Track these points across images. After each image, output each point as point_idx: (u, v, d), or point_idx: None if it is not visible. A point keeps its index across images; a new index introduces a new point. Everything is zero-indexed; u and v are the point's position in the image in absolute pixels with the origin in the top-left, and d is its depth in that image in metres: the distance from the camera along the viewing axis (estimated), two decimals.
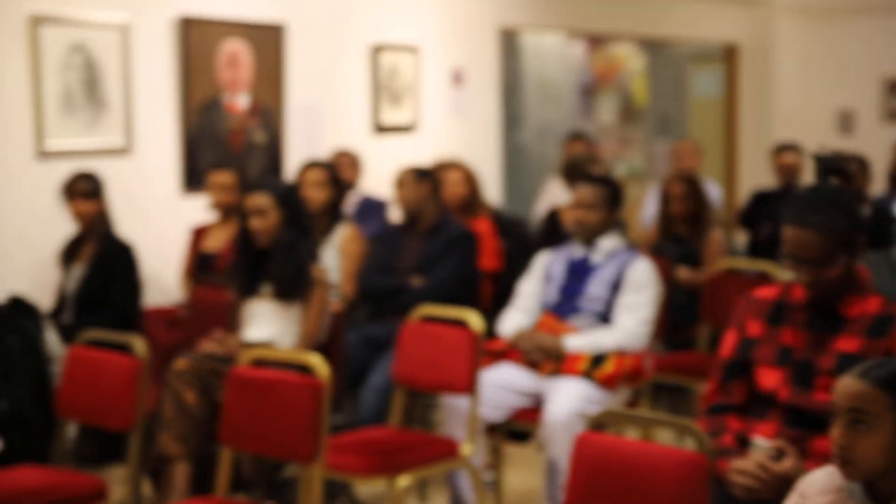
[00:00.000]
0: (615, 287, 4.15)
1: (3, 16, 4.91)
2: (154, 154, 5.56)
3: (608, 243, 4.24)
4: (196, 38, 5.66)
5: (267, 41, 6.02)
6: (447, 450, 3.84)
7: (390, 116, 6.85)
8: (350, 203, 5.92)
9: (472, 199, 5.64)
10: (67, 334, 4.25)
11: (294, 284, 4.06)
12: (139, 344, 3.64)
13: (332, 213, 5.10)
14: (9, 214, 4.96)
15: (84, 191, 4.68)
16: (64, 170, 4.92)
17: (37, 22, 5.01)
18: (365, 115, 6.71)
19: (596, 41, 9.84)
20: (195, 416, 3.87)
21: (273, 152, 6.12)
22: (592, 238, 4.24)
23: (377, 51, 6.69)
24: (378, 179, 6.33)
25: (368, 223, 5.66)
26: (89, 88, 5.25)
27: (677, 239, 5.45)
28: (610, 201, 4.26)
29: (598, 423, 2.73)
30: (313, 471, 3.29)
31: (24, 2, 4.97)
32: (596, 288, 4.18)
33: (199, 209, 5.45)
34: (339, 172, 5.40)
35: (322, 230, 4.99)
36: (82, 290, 4.60)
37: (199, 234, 5.23)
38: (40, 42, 5.03)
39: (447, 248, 4.86)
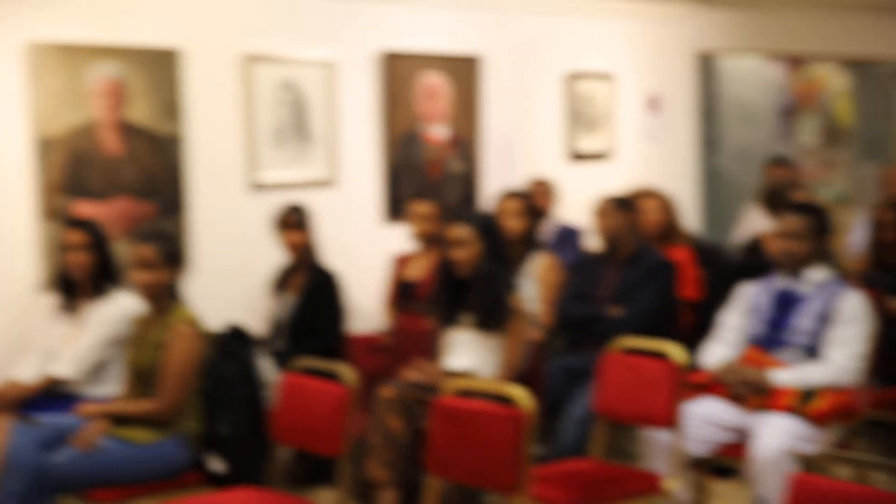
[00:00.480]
0: (824, 320, 4.01)
1: (221, 56, 5.19)
2: (357, 185, 5.75)
3: (817, 274, 4.11)
4: (396, 71, 5.83)
5: (464, 73, 6.14)
6: (650, 484, 3.80)
7: (585, 144, 6.86)
8: (546, 231, 5.95)
9: (669, 227, 5.57)
10: (280, 360, 4.44)
11: (494, 314, 4.11)
12: (348, 373, 3.76)
13: (529, 242, 5.14)
14: (225, 244, 5.23)
15: (294, 222, 4.88)
16: (274, 201, 5.15)
17: (251, 61, 5.27)
18: (560, 143, 6.73)
19: (796, 61, 9.55)
20: (401, 444, 3.97)
21: (469, 181, 6.22)
22: (799, 268, 4.12)
23: (572, 79, 6.71)
24: (573, 207, 6.34)
25: (564, 251, 5.67)
26: (298, 123, 5.48)
27: (890, 268, 5.22)
28: (817, 230, 4.13)
29: (812, 464, 2.65)
30: (516, 502, 3.32)
31: (240, 43, 5.25)
32: (804, 320, 4.05)
33: (401, 238, 5.60)
34: (534, 201, 5.44)
35: (519, 259, 5.03)
36: (294, 317, 4.79)
37: (401, 262, 5.37)
38: (254, 80, 5.29)
39: (646, 278, 4.81)
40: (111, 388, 4.19)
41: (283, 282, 4.95)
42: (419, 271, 5.21)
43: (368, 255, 5.68)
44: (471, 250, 4.13)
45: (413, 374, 4.17)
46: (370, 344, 5.17)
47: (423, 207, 5.24)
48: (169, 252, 3.93)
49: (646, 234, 5.26)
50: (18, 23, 4.55)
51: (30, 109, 4.58)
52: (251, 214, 5.28)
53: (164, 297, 3.95)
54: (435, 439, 3.48)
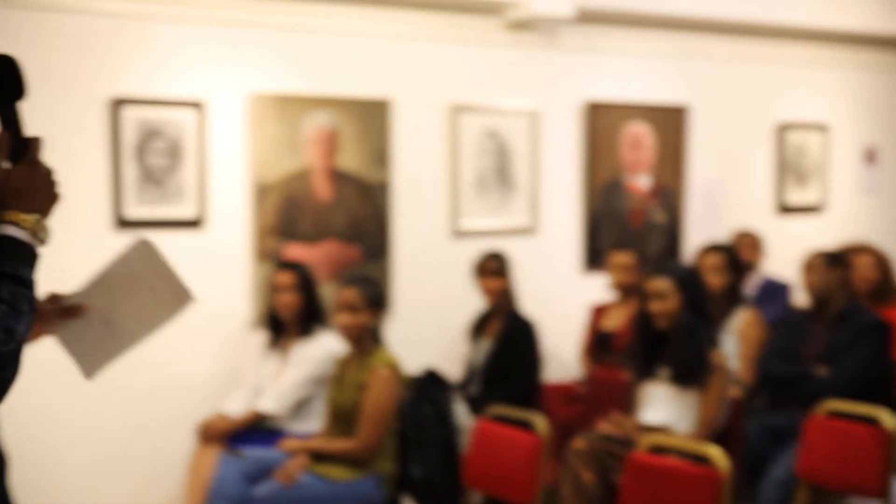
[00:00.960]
0: None
1: (428, 105, 5.34)
2: (557, 233, 5.77)
3: None
4: (601, 121, 5.84)
5: (670, 122, 6.08)
6: None
7: (796, 196, 6.64)
8: (751, 285, 5.78)
9: (884, 285, 5.32)
10: (474, 406, 4.49)
11: (693, 369, 4.04)
12: (541, 422, 3.77)
13: (732, 296, 5.01)
14: (425, 289, 5.35)
15: (494, 269, 4.94)
16: (475, 248, 5.24)
17: (457, 111, 5.40)
18: (768, 194, 6.55)
19: None
20: (592, 496, 3.93)
21: (672, 232, 6.13)
22: None
23: (783, 129, 6.54)
24: (780, 261, 6.14)
25: (770, 306, 5.50)
26: (500, 171, 5.56)
27: None
28: None
29: None
30: None
31: (447, 93, 5.38)
32: None
33: (599, 287, 5.57)
34: (739, 254, 5.31)
35: (721, 313, 4.91)
36: (489, 363, 4.84)
37: (599, 312, 5.34)
38: (459, 129, 5.41)
39: (856, 338, 4.60)
40: (313, 424, 4.34)
41: (481, 328, 5.01)
42: (616, 322, 5.16)
43: (566, 303, 5.68)
44: (670, 303, 4.07)
45: (607, 426, 4.13)
46: (565, 393, 5.16)
47: (622, 257, 5.20)
48: (372, 296, 4.06)
49: (858, 291, 5.04)
50: (241, 76, 4.82)
51: (250, 156, 4.85)
52: (452, 260, 5.38)
53: (366, 340, 4.07)
54: (627, 495, 3.44)
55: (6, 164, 1.69)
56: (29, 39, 4.38)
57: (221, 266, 4.81)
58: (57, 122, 4.45)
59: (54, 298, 1.90)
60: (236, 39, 4.82)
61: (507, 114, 5.58)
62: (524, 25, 5.54)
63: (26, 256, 1.65)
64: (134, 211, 4.56)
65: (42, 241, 1.69)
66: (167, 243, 4.63)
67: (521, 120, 5.62)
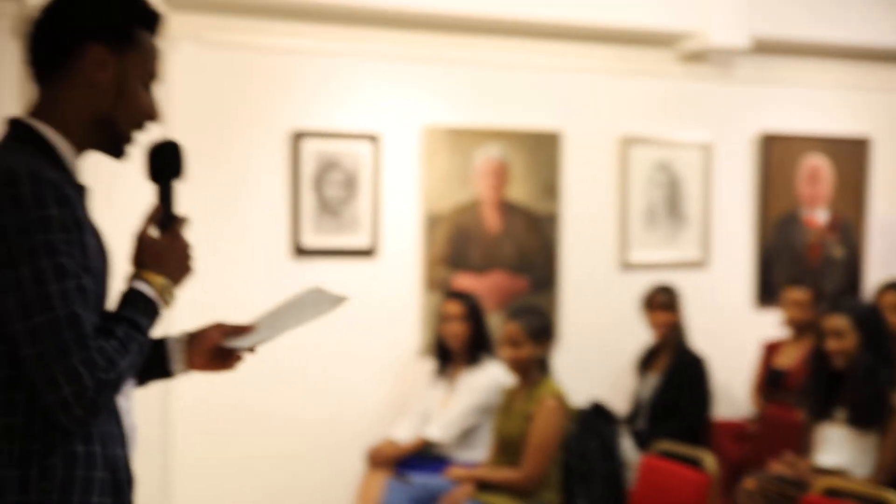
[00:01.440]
0: None
1: (599, 137, 5.35)
2: (729, 267, 5.66)
3: None
4: (777, 153, 5.71)
5: (850, 155, 5.89)
6: None
7: None
8: None
9: None
10: (640, 441, 4.44)
11: (872, 411, 3.89)
12: (709, 459, 3.70)
13: None
14: (593, 321, 5.33)
15: (662, 302, 4.89)
16: (644, 281, 5.20)
17: (628, 143, 5.39)
18: None
19: None
20: None
21: (851, 268, 5.92)
22: None
23: None
24: None
25: None
26: (671, 203, 5.51)
27: None
28: None
29: None
30: None
31: (618, 125, 5.38)
32: None
33: (772, 324, 5.43)
34: None
35: None
36: (656, 398, 4.79)
37: (772, 349, 5.20)
38: (630, 161, 5.39)
39: None
40: (479, 453, 4.39)
41: (648, 362, 4.96)
42: (790, 360, 5.02)
43: (737, 339, 5.55)
44: (848, 342, 3.95)
45: (780, 467, 4.02)
46: (735, 431, 5.04)
47: (797, 293, 5.06)
48: (535, 329, 4.07)
49: None
50: (415, 109, 4.95)
51: (422, 188, 4.96)
52: (620, 293, 5.35)
53: (531, 371, 4.10)
54: None
55: (153, 232, 1.89)
56: (219, 76, 4.62)
57: (392, 294, 4.93)
58: (242, 153, 4.67)
59: (219, 326, 2.05)
60: (411, 74, 4.95)
61: (680, 146, 5.52)
62: (698, 57, 5.49)
63: (148, 310, 1.82)
64: (311, 240, 4.73)
65: (167, 303, 1.86)
66: (341, 272, 4.81)
67: (694, 152, 5.56)
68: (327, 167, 4.77)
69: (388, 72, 4.91)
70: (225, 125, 4.65)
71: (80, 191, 1.79)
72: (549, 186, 5.22)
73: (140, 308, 1.80)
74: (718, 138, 5.62)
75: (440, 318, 4.62)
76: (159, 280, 1.84)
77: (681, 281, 5.29)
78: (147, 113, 1.89)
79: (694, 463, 3.84)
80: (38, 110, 1.84)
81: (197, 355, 2.03)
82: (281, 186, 4.71)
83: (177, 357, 2.01)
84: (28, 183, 1.67)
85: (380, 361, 4.93)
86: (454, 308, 4.56)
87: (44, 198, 1.67)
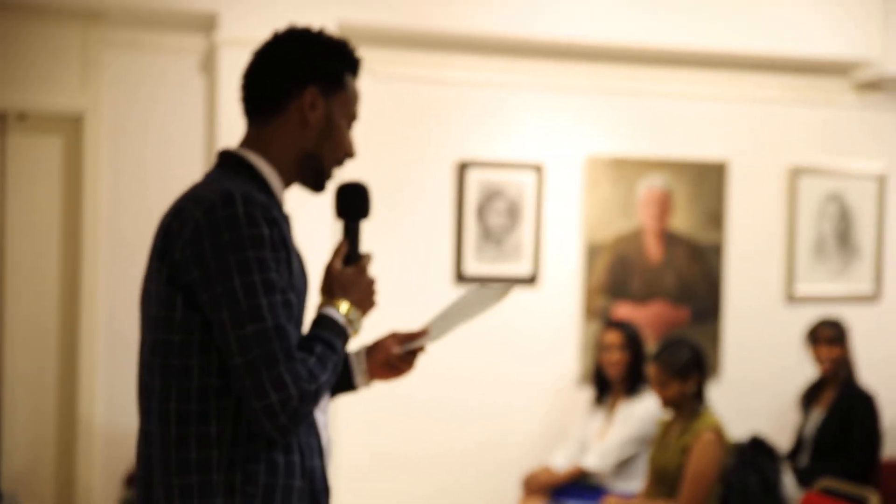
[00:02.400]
0: None
1: (766, 168, 5.28)
2: None
3: None
4: None
5: None
6: None
7: None
8: None
9: None
10: (802, 478, 4.35)
11: None
12: (874, 499, 3.61)
13: None
14: (756, 354, 5.25)
15: (828, 337, 4.78)
16: (810, 314, 5.09)
17: (797, 173, 5.30)
18: None
19: None
20: None
21: None
22: None
23: None
24: None
25: None
26: (841, 235, 5.38)
27: None
28: None
29: None
30: None
31: (787, 155, 5.30)
32: None
33: None
34: None
35: None
36: (819, 434, 4.68)
37: None
38: (798, 192, 5.30)
39: None
40: (635, 484, 4.39)
41: (812, 397, 4.85)
42: None
43: None
44: None
45: None
46: None
47: None
48: (679, 365, 4.02)
49: None
50: (579, 139, 5.01)
51: (584, 217, 5.01)
52: (785, 326, 5.25)
53: (685, 406, 4.07)
54: None
55: (338, 265, 2.05)
56: (389, 107, 4.80)
57: (552, 322, 4.99)
58: (410, 182, 4.83)
59: (394, 335, 2.19)
60: (574, 104, 5.01)
61: (852, 176, 5.39)
62: (873, 86, 5.35)
63: (340, 334, 1.96)
64: (473, 267, 4.85)
65: (355, 331, 2.00)
66: (504, 302, 4.88)
67: (867, 183, 5.41)
68: (491, 196, 4.88)
69: (552, 102, 4.99)
70: (393, 155, 4.82)
71: (285, 218, 1.95)
72: (714, 216, 5.18)
73: (334, 331, 1.94)
74: (893, 169, 5.45)
75: (599, 347, 4.65)
76: (349, 308, 1.98)
77: (851, 315, 5.15)
78: (347, 151, 2.06)
79: (858, 502, 3.75)
80: (250, 143, 2.02)
81: (377, 365, 2.17)
82: (446, 214, 4.85)
83: (359, 370, 2.15)
84: (242, 204, 1.83)
85: (539, 388, 5.00)
86: (614, 337, 4.58)
87: (256, 218, 1.83)
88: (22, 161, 4.43)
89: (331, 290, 2.01)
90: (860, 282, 5.42)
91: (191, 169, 4.52)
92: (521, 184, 4.92)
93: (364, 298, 2.03)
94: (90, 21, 4.38)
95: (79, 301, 4.44)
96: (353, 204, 2.08)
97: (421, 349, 2.17)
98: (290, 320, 1.84)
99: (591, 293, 5.03)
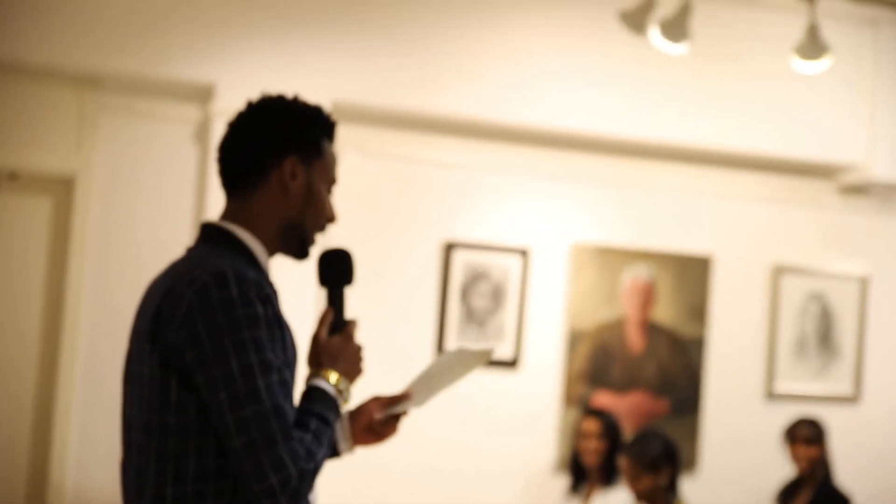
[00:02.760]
0: None
1: (750, 264, 5.33)
2: (884, 404, 5.49)
3: None
4: None
5: None
6: None
7: None
8: None
9: None
10: None
11: None
12: None
13: None
14: (734, 449, 5.24)
15: (806, 436, 4.76)
16: (790, 412, 5.09)
17: (780, 271, 5.34)
18: None
19: None
20: None
21: None
22: None
23: None
24: None
25: None
26: (822, 335, 5.41)
27: None
28: None
29: None
30: None
31: (770, 253, 5.35)
32: None
33: None
34: None
35: None
36: None
37: None
38: (781, 289, 5.34)
39: None
40: None
41: (789, 496, 4.82)
42: None
43: (890, 480, 5.34)
44: None
45: None
46: None
47: None
48: (651, 458, 3.98)
49: None
50: (565, 226, 5.06)
51: (567, 303, 5.03)
52: (764, 422, 5.25)
53: (658, 498, 4.03)
54: None
55: (324, 334, 2.03)
56: (378, 185, 4.84)
57: (531, 407, 4.98)
58: (396, 259, 4.86)
59: (376, 399, 2.17)
60: (563, 191, 5.07)
61: (835, 277, 5.44)
62: (859, 189, 5.43)
63: (332, 406, 1.94)
64: (454, 347, 4.83)
65: (345, 400, 1.99)
66: (482, 381, 4.89)
67: (850, 284, 5.46)
68: (476, 278, 4.90)
69: (541, 188, 5.04)
70: (381, 231, 4.86)
71: (274, 291, 1.94)
72: (697, 310, 5.21)
73: (325, 404, 1.92)
74: (877, 272, 5.50)
75: (577, 435, 4.64)
76: (338, 378, 1.97)
77: (829, 415, 5.14)
78: (329, 216, 2.06)
79: None
80: (232, 216, 2.01)
81: (360, 431, 2.14)
82: (430, 293, 4.87)
83: (342, 436, 2.12)
84: (235, 283, 1.82)
85: (514, 472, 4.96)
86: (592, 425, 4.56)
87: (250, 297, 1.83)
88: (10, 221, 4.44)
89: (318, 360, 2.00)
90: (840, 382, 5.43)
91: (179, 236, 4.53)
92: (506, 267, 4.95)
93: (352, 367, 2.02)
94: (87, 86, 4.45)
95: (57, 363, 4.42)
96: (337, 271, 2.08)
97: (404, 414, 2.16)
98: (286, 399, 1.83)
99: (571, 379, 5.03)
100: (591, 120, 4.92)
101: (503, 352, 4.93)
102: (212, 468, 1.83)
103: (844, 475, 4.99)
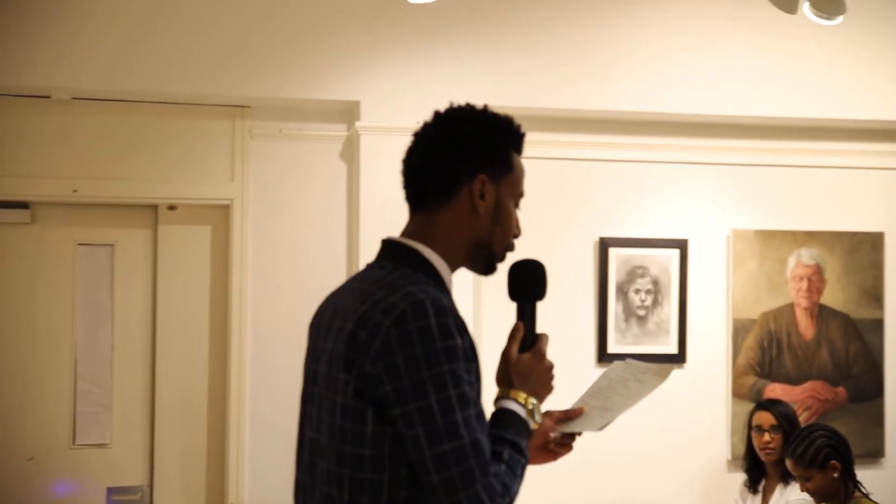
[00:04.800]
0: None
1: None
2: None
3: None
4: None
5: None
6: None
7: None
8: None
9: None
10: None
11: None
12: None
13: None
14: None
15: None
16: None
17: None
18: None
19: None
20: None
21: None
22: None
23: None
24: None
25: None
26: None
27: None
28: None
29: None
30: None
31: None
32: None
33: None
34: None
35: None
36: None
37: None
38: None
39: None
40: None
41: None
42: None
43: None
44: None
45: None
46: None
47: None
48: (815, 454, 3.77)
49: None
50: (723, 213, 4.90)
51: (730, 293, 4.87)
52: None
53: (836, 495, 3.83)
54: None
55: (515, 352, 1.98)
56: (533, 187, 4.69)
57: (699, 402, 4.84)
58: (552, 260, 4.73)
59: (549, 413, 2.13)
60: (718, 178, 4.91)
61: None
62: None
63: (523, 430, 1.89)
64: (616, 346, 4.75)
65: (536, 422, 1.93)
66: None
67: None
68: (633, 273, 4.80)
69: (694, 177, 4.90)
70: (535, 233, 4.78)
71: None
72: (871, 290, 4.96)
73: (517, 428, 1.88)
74: None
75: (752, 429, 4.47)
76: (528, 399, 1.93)
77: None
78: (516, 232, 2.01)
79: None
80: (416, 234, 1.95)
81: (535, 451, 2.10)
82: (588, 293, 4.78)
83: None
84: (434, 314, 1.77)
85: (685, 470, 4.83)
86: (766, 418, 4.40)
87: (449, 328, 1.78)
88: (171, 250, 4.59)
89: (509, 379, 1.95)
90: None
91: (333, 253, 4.61)
92: (664, 260, 4.83)
93: (543, 385, 1.97)
94: (237, 113, 4.56)
95: (227, 387, 4.54)
96: (529, 285, 2.03)
97: (579, 434, 2.09)
98: (483, 432, 1.79)
99: (738, 371, 4.86)
100: (740, 104, 4.76)
101: (666, 347, 4.80)
102: (402, 499, 1.80)
103: None
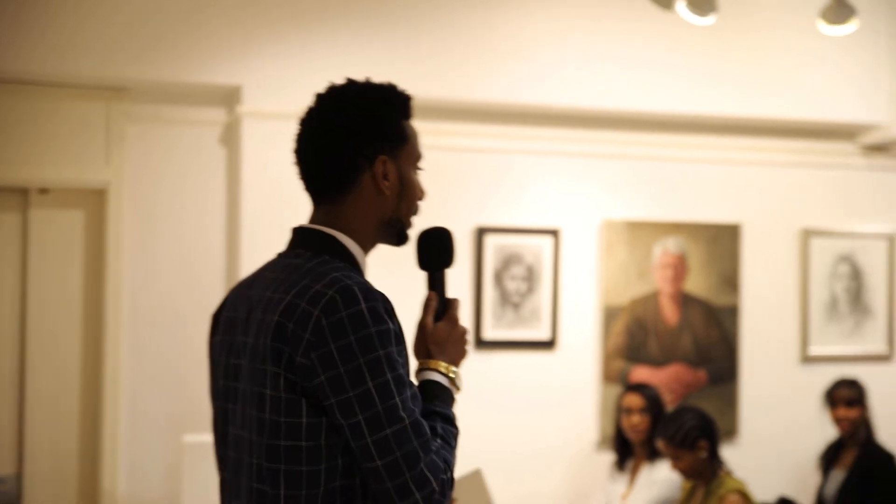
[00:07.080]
0: None
1: (779, 230, 5.33)
2: None
3: None
4: None
5: None
6: None
7: None
8: None
9: None
10: None
11: None
12: None
13: None
14: (773, 416, 5.27)
15: (846, 397, 4.80)
16: (826, 374, 5.12)
17: (808, 235, 5.36)
18: None
19: None
20: None
21: None
22: None
23: None
24: None
25: None
26: (854, 296, 5.43)
27: None
28: None
29: None
30: None
31: (798, 217, 5.36)
32: None
33: None
34: None
35: None
36: (841, 495, 4.68)
37: None
38: (810, 253, 5.36)
39: None
40: None
41: (832, 458, 4.86)
42: None
43: None
44: None
45: None
46: None
47: None
48: (685, 436, 3.98)
49: None
50: (594, 204, 5.07)
51: (600, 280, 5.05)
52: (802, 387, 5.28)
53: (703, 472, 4.04)
54: None
55: (431, 322, 1.97)
56: None
57: (570, 386, 5.01)
58: None
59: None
60: (589, 169, 5.08)
61: (863, 237, 5.45)
62: (882, 148, 5.43)
63: (448, 399, 1.91)
64: (491, 333, 4.88)
65: (458, 388, 1.94)
66: (521, 363, 4.91)
67: (878, 243, 5.47)
68: (508, 261, 4.92)
69: (568, 167, 5.05)
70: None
71: None
72: (729, 279, 5.23)
73: (443, 399, 1.88)
74: None
75: (620, 411, 4.66)
76: (449, 368, 1.92)
77: (865, 375, 5.16)
78: (421, 197, 2.00)
79: None
80: (325, 221, 1.92)
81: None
82: (464, 280, 4.89)
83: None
84: (364, 300, 1.75)
85: (557, 454, 5.00)
86: (635, 400, 4.59)
87: (379, 313, 1.76)
88: (43, 235, 4.47)
89: (427, 350, 1.94)
90: (873, 341, 5.45)
91: (212, 239, 4.57)
92: (538, 248, 4.97)
93: (460, 351, 1.96)
94: (113, 96, 4.46)
95: (101, 375, 4.46)
96: (440, 253, 2.01)
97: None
98: (419, 412, 1.78)
99: (608, 356, 5.06)
100: (612, 97, 4.93)
101: (539, 333, 4.96)
102: (338, 488, 1.79)
103: (884, 432, 5.01)
